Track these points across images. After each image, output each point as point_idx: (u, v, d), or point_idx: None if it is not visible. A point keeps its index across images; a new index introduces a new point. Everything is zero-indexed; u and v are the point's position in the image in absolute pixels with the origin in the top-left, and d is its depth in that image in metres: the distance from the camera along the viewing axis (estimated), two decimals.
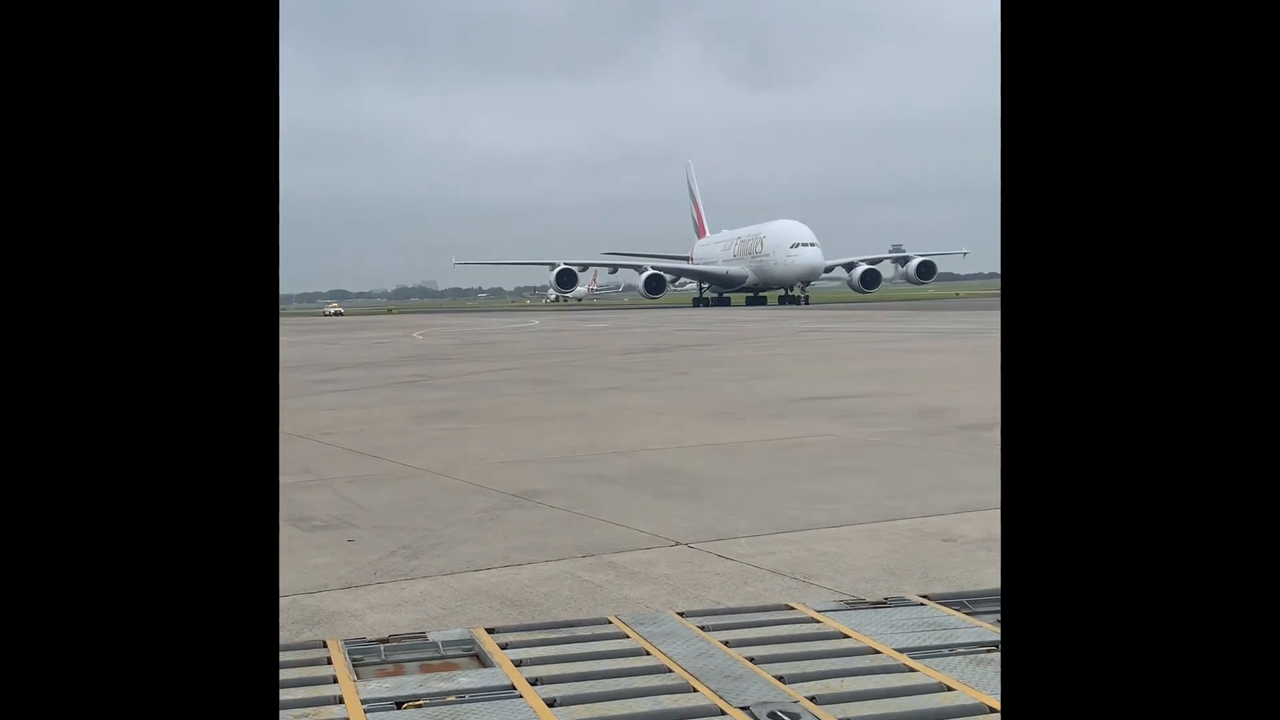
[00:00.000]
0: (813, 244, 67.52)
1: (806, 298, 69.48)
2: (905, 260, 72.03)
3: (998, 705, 2.07)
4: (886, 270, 75.60)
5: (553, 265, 72.19)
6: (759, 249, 69.68)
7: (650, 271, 73.57)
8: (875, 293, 72.41)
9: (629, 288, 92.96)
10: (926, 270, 70.64)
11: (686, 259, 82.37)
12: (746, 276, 70.92)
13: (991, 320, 32.29)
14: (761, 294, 72.45)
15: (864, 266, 71.25)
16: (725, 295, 75.36)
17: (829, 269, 74.54)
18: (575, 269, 73.54)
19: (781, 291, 70.41)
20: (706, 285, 77.02)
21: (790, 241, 67.80)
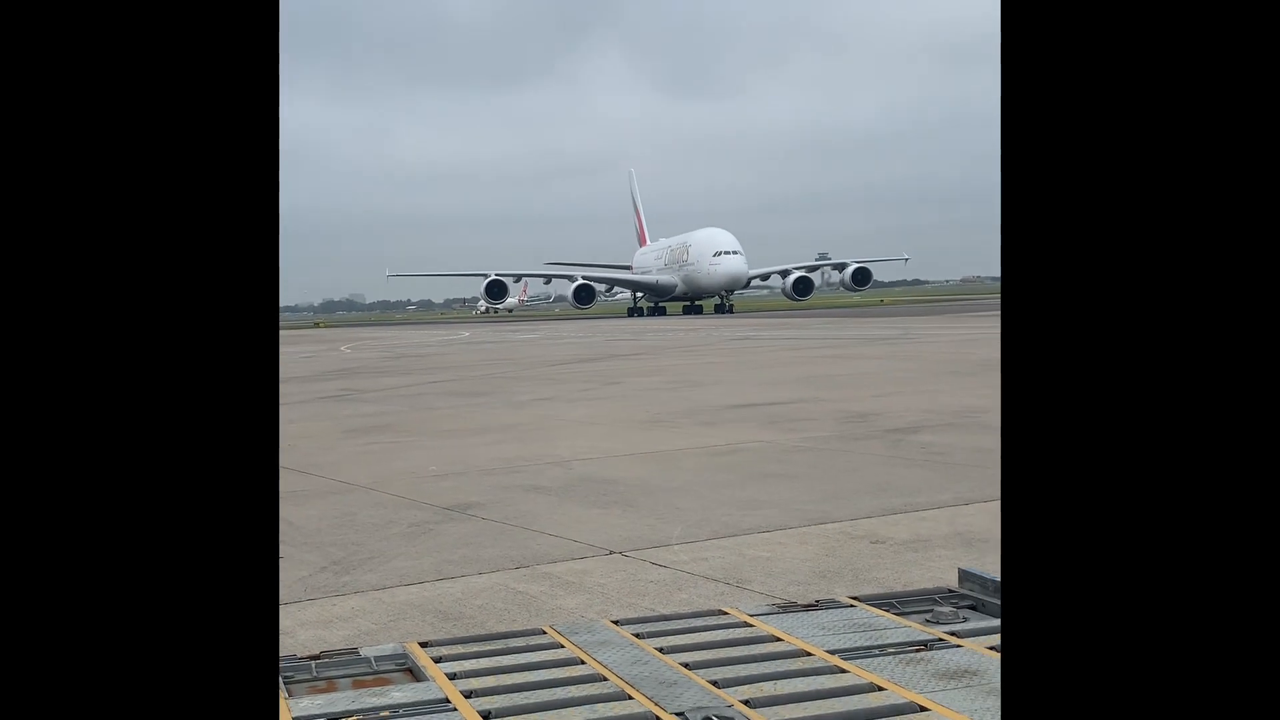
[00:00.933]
0: (735, 252, 66.11)
1: (730, 306, 68.59)
2: (842, 267, 71.00)
3: (928, 704, 2.11)
4: (829, 277, 74.98)
5: (485, 276, 70.99)
6: (685, 257, 68.74)
7: (580, 281, 71.87)
8: (808, 300, 71.79)
9: (560, 298, 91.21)
10: (862, 277, 69.95)
11: (628, 268, 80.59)
12: (676, 285, 69.77)
13: (913, 325, 32.81)
14: (698, 303, 71.33)
15: (796, 274, 70.56)
16: (661, 305, 73.89)
17: (765, 276, 73.38)
18: (506, 280, 72.35)
19: (717, 300, 69.67)
20: (641, 295, 75.55)
21: (713, 250, 66.26)
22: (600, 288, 77.68)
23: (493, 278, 69.76)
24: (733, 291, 68.45)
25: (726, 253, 66.09)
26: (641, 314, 72.69)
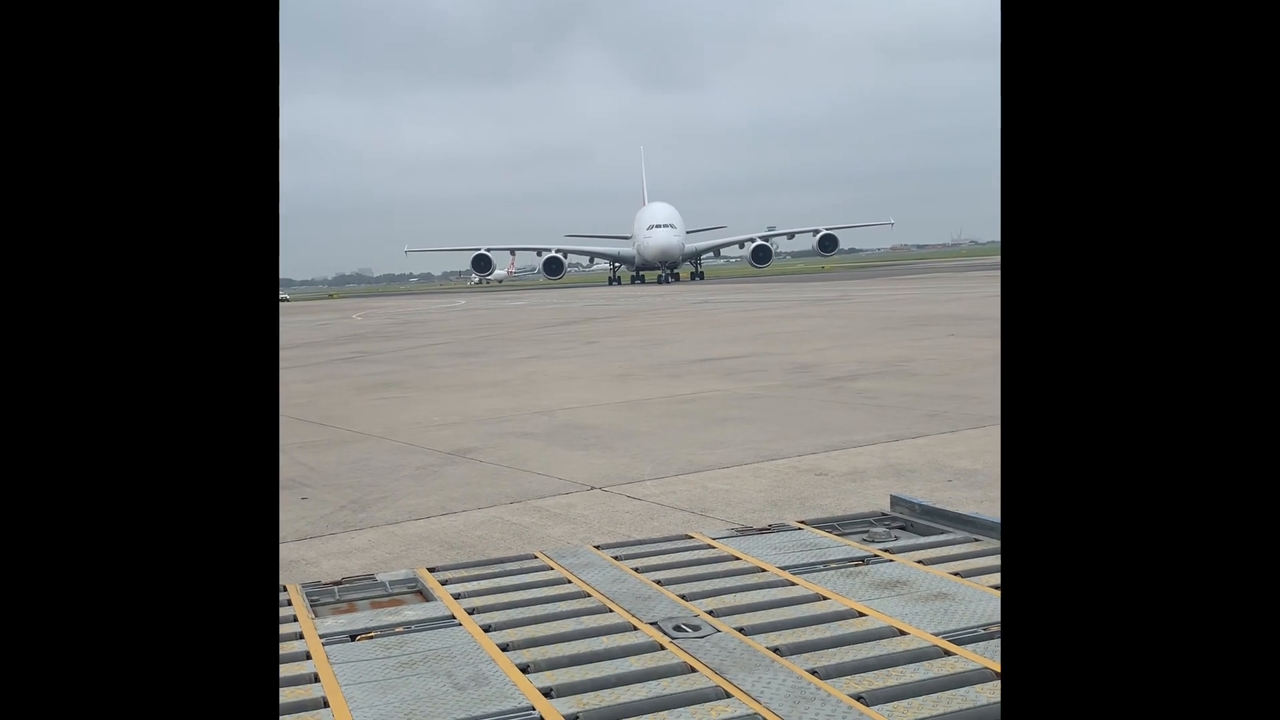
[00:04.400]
0: (668, 225, 60.17)
1: (676, 275, 63.83)
2: (817, 233, 65.24)
3: (865, 610, 2.13)
4: (804, 243, 69.52)
5: (491, 250, 68.38)
6: (635, 229, 63.91)
7: (551, 254, 67.49)
8: (767, 267, 67.73)
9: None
10: (829, 243, 64.13)
11: (629, 239, 73.62)
12: (635, 256, 64.19)
13: (851, 288, 32.87)
14: (676, 272, 65.71)
15: (756, 244, 65.87)
16: (642, 274, 65.50)
17: (741, 244, 68.29)
18: (493, 254, 70.01)
19: (691, 269, 65.51)
20: (619, 265, 69.13)
21: (648, 223, 60.82)
22: (583, 260, 75.25)
23: (481, 252, 67.47)
24: (671, 265, 61.87)
25: (658, 226, 60.41)
26: (619, 283, 66.22)
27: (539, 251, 72.39)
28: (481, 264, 68.26)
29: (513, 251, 77.86)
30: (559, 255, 68.04)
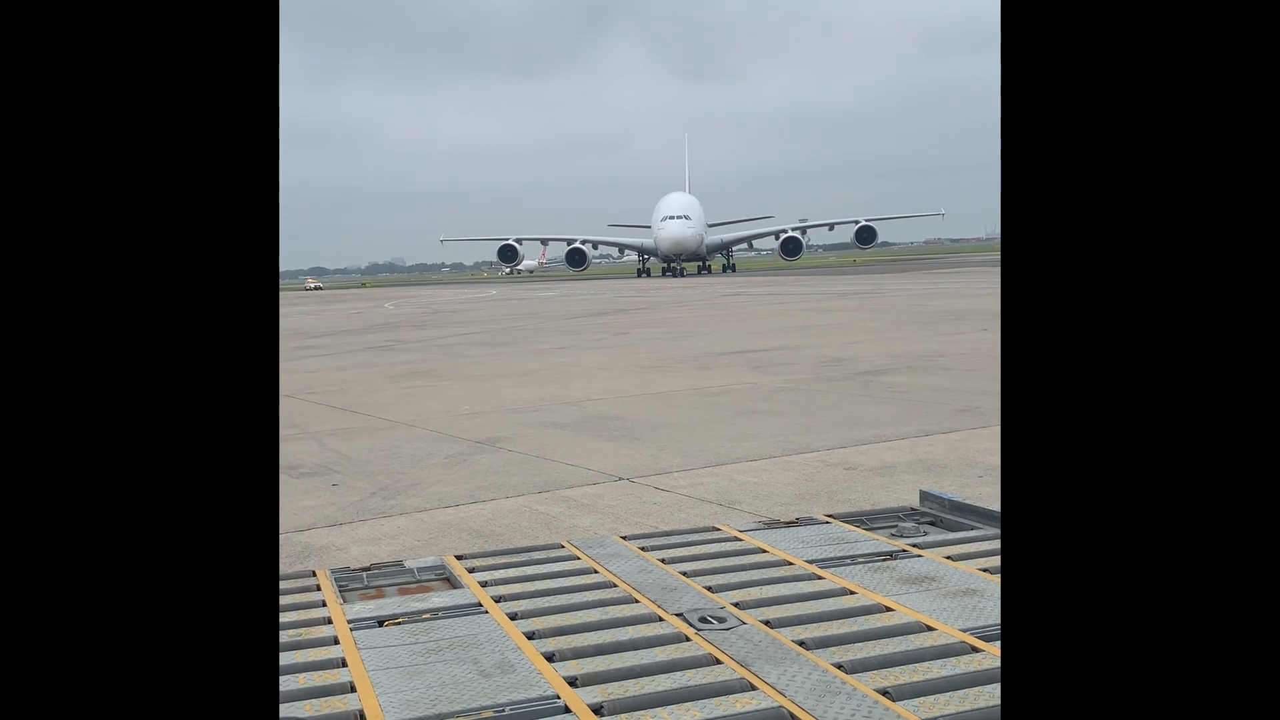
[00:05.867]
0: (683, 216, 57.16)
1: (709, 267, 62.06)
2: (856, 224, 61.71)
3: (893, 605, 2.12)
4: (843, 235, 66.28)
5: (520, 240, 67.56)
6: (653, 220, 60.64)
7: (575, 245, 64.25)
8: (798, 260, 65.50)
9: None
10: (867, 236, 60.64)
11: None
12: (657, 247, 60.69)
13: (883, 281, 32.61)
14: (709, 264, 62.65)
15: (786, 236, 62.47)
16: (672, 265, 61.44)
17: (776, 235, 64.65)
18: (520, 244, 68.85)
19: (723, 260, 63.46)
20: (648, 257, 65.60)
21: (662, 214, 57.93)
22: (614, 251, 74.24)
23: (508, 242, 65.10)
24: (688, 257, 59.04)
25: (672, 217, 57.29)
26: (648, 275, 63.49)
27: (568, 242, 70.99)
28: (507, 254, 67.35)
29: (544, 242, 77.20)
30: (582, 247, 65.91)
